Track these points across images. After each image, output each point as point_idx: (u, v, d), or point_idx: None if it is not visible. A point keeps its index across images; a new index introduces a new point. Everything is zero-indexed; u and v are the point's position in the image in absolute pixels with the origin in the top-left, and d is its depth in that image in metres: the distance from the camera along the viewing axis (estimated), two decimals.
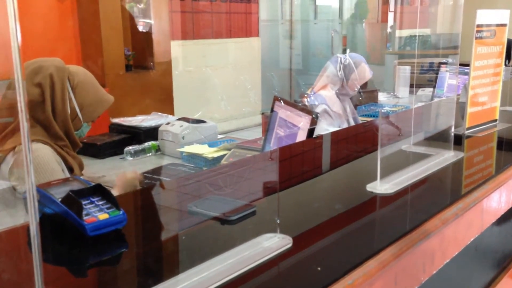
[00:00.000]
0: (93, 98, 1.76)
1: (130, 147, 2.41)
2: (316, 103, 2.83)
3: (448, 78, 3.66)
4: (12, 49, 0.49)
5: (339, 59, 2.92)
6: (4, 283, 0.67)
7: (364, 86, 2.93)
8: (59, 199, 0.84)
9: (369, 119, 3.13)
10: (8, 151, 1.56)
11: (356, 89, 2.86)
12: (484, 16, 1.54)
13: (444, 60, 3.93)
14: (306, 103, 2.85)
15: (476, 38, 1.54)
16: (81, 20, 4.27)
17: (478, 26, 1.53)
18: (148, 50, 4.66)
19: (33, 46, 3.56)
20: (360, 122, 2.93)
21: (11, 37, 0.49)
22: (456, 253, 1.02)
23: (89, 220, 0.81)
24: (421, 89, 3.99)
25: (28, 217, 0.78)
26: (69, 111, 1.68)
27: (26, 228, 0.86)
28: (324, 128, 2.71)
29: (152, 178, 2.05)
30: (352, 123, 2.87)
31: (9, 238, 0.88)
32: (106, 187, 0.89)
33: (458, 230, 1.02)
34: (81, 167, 1.76)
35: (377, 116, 3.21)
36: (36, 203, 0.54)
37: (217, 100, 5.48)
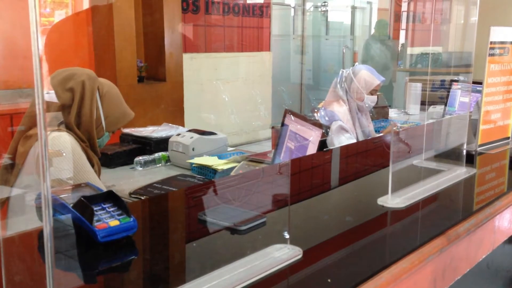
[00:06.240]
0: (118, 110, 1.85)
1: (140, 157, 2.42)
2: (327, 118, 2.81)
3: (460, 96, 3.64)
4: (33, 59, 0.50)
5: (342, 72, 2.93)
6: (16, 286, 0.68)
7: (374, 92, 2.87)
8: (71, 205, 0.84)
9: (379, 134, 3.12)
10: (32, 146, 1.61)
11: (363, 98, 2.82)
12: (498, 33, 1.54)
13: (455, 78, 3.92)
14: (318, 119, 2.84)
15: (490, 55, 1.53)
16: (95, 32, 4.32)
17: (491, 43, 1.53)
18: (160, 62, 4.70)
19: (48, 56, 3.61)
20: (374, 136, 2.91)
21: (32, 49, 0.50)
22: (468, 269, 1.01)
23: (100, 226, 0.82)
24: (432, 106, 3.97)
25: (39, 223, 0.78)
26: (94, 119, 1.74)
27: (38, 233, 0.86)
28: (344, 140, 2.69)
29: (161, 188, 2.06)
30: (362, 138, 2.85)
31: (21, 242, 0.88)
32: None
33: (470, 247, 1.01)
34: (99, 168, 1.80)
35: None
36: (51, 209, 0.54)
37: (228, 113, 5.49)
